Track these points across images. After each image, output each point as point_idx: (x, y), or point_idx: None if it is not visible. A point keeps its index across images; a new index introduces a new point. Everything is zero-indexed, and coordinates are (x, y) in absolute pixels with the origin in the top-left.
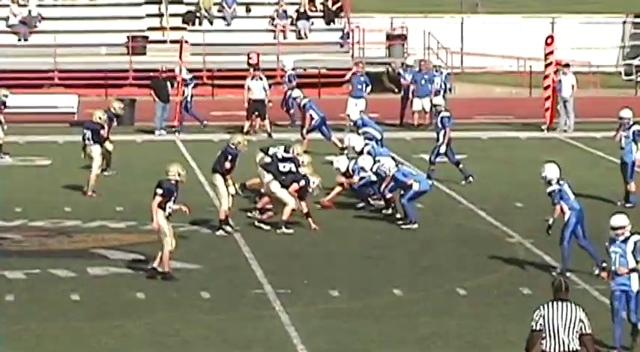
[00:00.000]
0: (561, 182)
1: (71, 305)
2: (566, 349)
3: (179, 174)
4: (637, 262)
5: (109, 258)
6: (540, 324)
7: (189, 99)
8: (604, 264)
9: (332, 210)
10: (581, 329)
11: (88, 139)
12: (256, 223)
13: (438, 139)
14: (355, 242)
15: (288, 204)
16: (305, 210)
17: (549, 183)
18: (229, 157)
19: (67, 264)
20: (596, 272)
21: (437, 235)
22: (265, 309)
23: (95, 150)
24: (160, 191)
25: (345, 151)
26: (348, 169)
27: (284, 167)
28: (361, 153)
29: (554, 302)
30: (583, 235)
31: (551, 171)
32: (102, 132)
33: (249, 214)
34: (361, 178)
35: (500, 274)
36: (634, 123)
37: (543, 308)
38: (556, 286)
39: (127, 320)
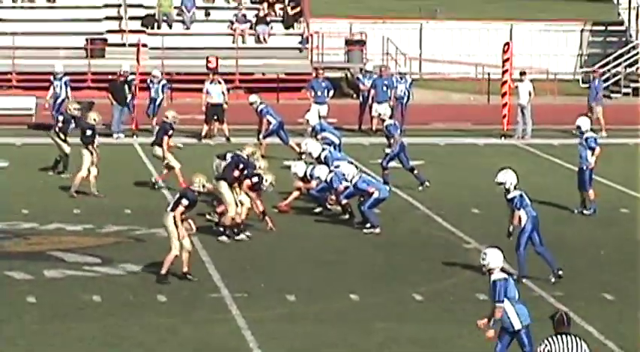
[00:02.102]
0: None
1: (27, 307)
2: None
3: (203, 186)
4: (501, 302)
5: (66, 261)
6: None
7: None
8: (560, 272)
9: (289, 214)
10: None
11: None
12: (214, 227)
13: (389, 145)
14: (312, 246)
15: (229, 211)
16: (261, 209)
17: (508, 190)
18: (240, 166)
19: (23, 266)
20: (552, 279)
21: (394, 240)
22: (222, 313)
23: (85, 152)
24: (185, 202)
25: (303, 156)
26: (305, 174)
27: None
28: (319, 158)
29: (559, 336)
30: (540, 242)
31: (510, 177)
32: (92, 132)
33: (207, 217)
34: (318, 183)
35: (457, 280)
36: (588, 130)
37: (548, 342)
38: (558, 320)
39: (83, 323)
